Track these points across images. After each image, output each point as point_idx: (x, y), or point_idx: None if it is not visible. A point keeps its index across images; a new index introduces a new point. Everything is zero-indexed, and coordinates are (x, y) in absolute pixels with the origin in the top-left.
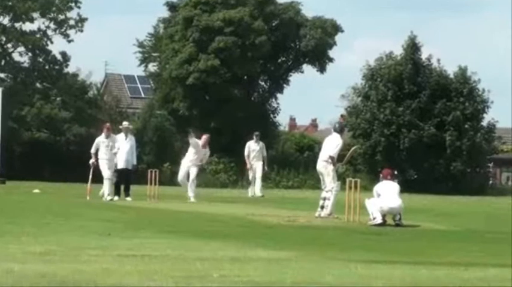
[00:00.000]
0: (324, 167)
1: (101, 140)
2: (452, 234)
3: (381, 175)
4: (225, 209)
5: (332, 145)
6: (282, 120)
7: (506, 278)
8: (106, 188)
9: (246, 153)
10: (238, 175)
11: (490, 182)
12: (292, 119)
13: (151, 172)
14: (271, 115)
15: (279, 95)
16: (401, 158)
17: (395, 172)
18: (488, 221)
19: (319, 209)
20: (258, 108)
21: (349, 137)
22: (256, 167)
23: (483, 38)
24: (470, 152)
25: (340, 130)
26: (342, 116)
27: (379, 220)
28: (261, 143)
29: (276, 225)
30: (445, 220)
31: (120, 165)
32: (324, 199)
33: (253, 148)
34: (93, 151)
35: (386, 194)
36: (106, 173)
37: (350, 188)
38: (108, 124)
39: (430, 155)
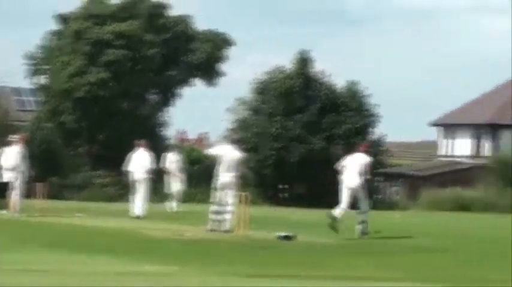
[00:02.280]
0: (231, 182)
1: None
2: (342, 248)
3: None
4: (113, 223)
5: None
6: (171, 133)
7: None
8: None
9: (165, 165)
10: (126, 188)
11: (379, 196)
12: (181, 133)
13: (38, 185)
14: (159, 128)
15: (168, 108)
16: (291, 172)
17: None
18: (376, 235)
19: (216, 223)
20: (146, 121)
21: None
22: (175, 180)
23: (375, 53)
24: None
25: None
26: (231, 129)
27: None
28: (181, 155)
29: (164, 239)
30: (334, 234)
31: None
32: (227, 212)
33: (172, 160)
34: None
35: None
36: None
37: (240, 201)
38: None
39: (320, 169)
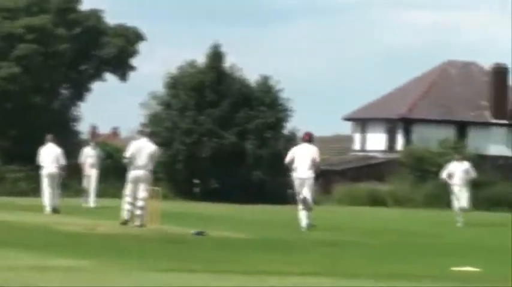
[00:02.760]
0: (146, 175)
1: None
2: (252, 243)
3: None
4: (25, 217)
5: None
6: (84, 128)
7: (306, 286)
8: None
9: (82, 160)
10: (38, 183)
11: (291, 191)
12: (94, 127)
13: None
14: (73, 123)
15: (80, 103)
16: (202, 167)
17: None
18: (287, 230)
19: (129, 214)
20: (59, 116)
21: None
22: (92, 175)
23: (288, 48)
24: (271, 161)
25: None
26: (143, 124)
27: None
28: (98, 150)
29: (77, 234)
30: (245, 229)
31: None
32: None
33: (90, 154)
34: None
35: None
36: None
37: (151, 197)
38: None
39: (231, 164)
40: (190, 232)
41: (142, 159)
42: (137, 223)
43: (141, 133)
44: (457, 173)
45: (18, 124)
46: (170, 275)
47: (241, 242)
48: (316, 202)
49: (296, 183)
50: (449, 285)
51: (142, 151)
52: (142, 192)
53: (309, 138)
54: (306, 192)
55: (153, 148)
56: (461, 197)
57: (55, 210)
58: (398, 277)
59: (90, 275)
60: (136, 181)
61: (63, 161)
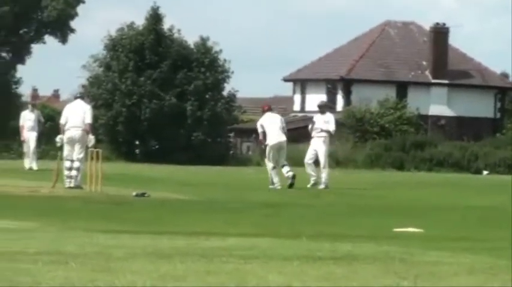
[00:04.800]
0: (82, 135)
1: None
2: (193, 204)
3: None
4: None
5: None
6: (25, 91)
7: (245, 246)
8: None
9: (20, 123)
10: None
11: (231, 152)
12: (35, 90)
13: None
14: (13, 86)
15: (21, 66)
16: (143, 128)
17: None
18: (228, 191)
19: (72, 182)
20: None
21: (90, 108)
22: (30, 138)
23: (226, 9)
24: (211, 122)
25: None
26: (83, 86)
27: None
28: (37, 112)
29: (19, 196)
30: (186, 190)
31: None
32: (77, 169)
33: (28, 118)
34: None
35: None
36: None
37: (92, 158)
38: None
39: (172, 125)
40: (132, 193)
41: (75, 119)
42: (71, 183)
43: (75, 96)
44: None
45: None
46: (113, 236)
47: (183, 203)
48: (256, 163)
49: (274, 148)
50: (392, 246)
51: (75, 111)
52: (78, 153)
53: (269, 107)
54: (282, 158)
55: (87, 107)
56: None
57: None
58: (340, 238)
59: (35, 236)
60: (72, 142)
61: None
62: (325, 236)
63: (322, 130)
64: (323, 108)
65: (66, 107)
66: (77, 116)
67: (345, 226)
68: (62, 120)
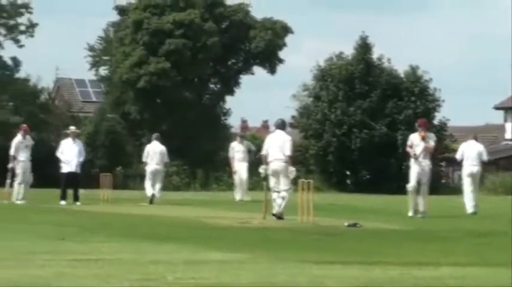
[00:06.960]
0: (284, 167)
1: (19, 141)
2: (405, 233)
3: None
4: (177, 211)
5: (285, 144)
6: (234, 122)
7: (459, 276)
8: (16, 191)
9: (230, 155)
10: (190, 177)
11: (443, 181)
12: (244, 121)
13: (103, 175)
14: (222, 117)
15: (230, 97)
16: (353, 158)
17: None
18: (441, 221)
19: (276, 208)
20: (209, 110)
21: (301, 138)
22: (241, 169)
23: (434, 37)
24: None
25: (282, 127)
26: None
27: None
28: (246, 143)
29: (229, 227)
30: (398, 220)
31: (67, 169)
32: (282, 198)
33: (237, 149)
34: (12, 152)
35: None
36: (20, 176)
37: (303, 189)
38: (24, 125)
39: (382, 155)
40: (343, 224)
41: (276, 151)
42: (274, 210)
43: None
44: None
45: (168, 119)
46: (325, 267)
47: (394, 233)
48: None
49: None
50: None
51: (276, 143)
52: (284, 184)
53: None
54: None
55: (287, 138)
56: None
57: (152, 201)
58: None
59: (246, 268)
60: (276, 174)
61: (166, 159)
62: None
63: None
64: None
65: (268, 138)
66: (277, 147)
67: None
68: (264, 151)
